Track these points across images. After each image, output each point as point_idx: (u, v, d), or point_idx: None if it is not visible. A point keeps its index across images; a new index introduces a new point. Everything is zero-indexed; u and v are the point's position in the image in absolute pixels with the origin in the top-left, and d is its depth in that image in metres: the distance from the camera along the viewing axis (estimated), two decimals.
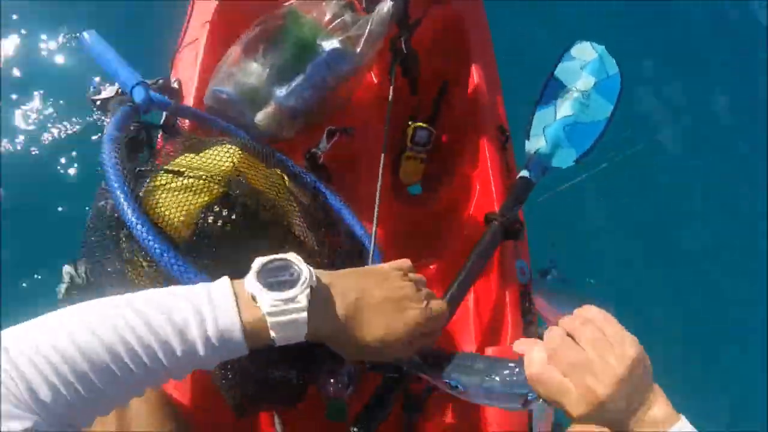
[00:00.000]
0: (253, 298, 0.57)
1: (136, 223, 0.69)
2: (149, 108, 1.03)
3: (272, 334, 0.57)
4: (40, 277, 1.69)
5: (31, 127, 1.93)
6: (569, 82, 1.38)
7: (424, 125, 1.42)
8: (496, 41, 1.63)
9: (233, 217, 0.82)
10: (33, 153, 1.91)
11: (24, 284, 1.70)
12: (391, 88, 1.22)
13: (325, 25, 1.16)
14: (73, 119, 1.96)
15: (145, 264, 0.77)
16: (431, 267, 1.38)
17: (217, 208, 0.83)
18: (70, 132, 1.93)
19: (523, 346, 0.63)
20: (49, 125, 1.94)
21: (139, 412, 0.89)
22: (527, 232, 1.36)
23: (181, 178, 0.85)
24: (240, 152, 0.89)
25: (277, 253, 0.63)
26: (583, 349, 0.56)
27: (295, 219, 0.89)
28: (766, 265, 2.22)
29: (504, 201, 1.27)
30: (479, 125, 1.42)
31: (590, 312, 0.60)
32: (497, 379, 0.66)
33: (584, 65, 1.40)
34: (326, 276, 0.64)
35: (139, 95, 0.98)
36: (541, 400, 0.61)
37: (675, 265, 2.23)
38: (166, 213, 0.80)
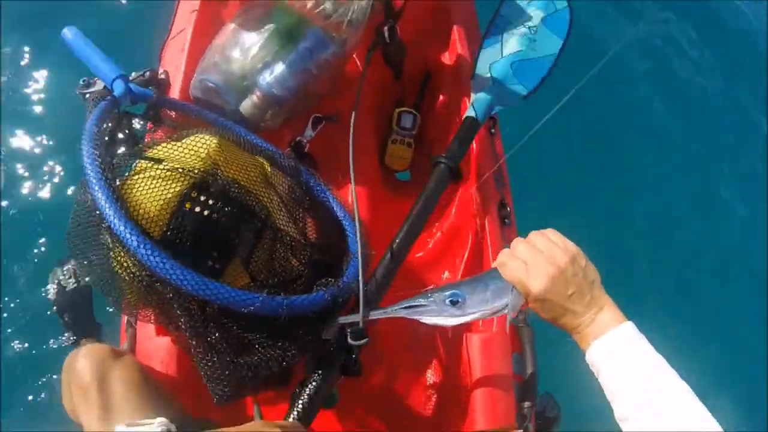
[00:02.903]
0: None
1: (113, 217, 0.72)
2: (132, 100, 1.06)
3: None
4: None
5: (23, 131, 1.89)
6: (516, 18, 1.35)
7: (409, 110, 1.43)
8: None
9: (210, 202, 0.84)
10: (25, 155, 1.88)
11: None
12: (364, 71, 1.23)
13: (307, 14, 1.17)
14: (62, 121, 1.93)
15: (124, 253, 0.79)
16: (417, 255, 1.38)
17: (194, 194, 0.84)
18: (58, 133, 1.90)
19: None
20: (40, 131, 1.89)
21: (128, 396, 0.89)
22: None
23: (159, 166, 0.87)
24: (216, 143, 0.90)
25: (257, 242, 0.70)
26: (537, 247, 0.78)
27: (274, 208, 0.90)
28: (766, 263, 2.18)
29: (450, 142, 1.26)
30: (465, 112, 1.42)
31: (541, 230, 0.81)
32: (487, 278, 0.80)
33: (532, 0, 1.37)
34: None
35: (118, 88, 1.02)
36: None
37: (667, 256, 2.20)
38: (144, 201, 0.82)
